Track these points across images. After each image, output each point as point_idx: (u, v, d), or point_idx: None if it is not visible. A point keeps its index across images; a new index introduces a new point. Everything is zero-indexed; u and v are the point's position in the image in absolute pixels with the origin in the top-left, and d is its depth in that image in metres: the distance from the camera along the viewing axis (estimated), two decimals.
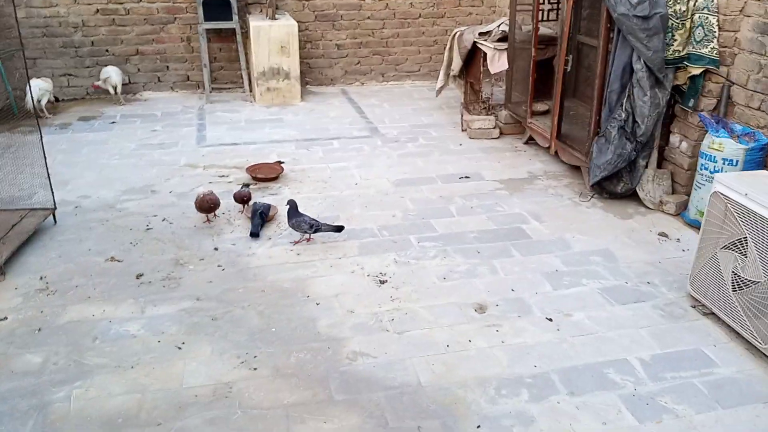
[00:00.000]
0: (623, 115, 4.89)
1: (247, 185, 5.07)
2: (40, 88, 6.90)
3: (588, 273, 4.20)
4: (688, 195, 4.85)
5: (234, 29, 7.54)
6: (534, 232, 4.74)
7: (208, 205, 4.71)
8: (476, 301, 3.90)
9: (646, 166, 5.03)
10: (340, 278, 4.10)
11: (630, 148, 4.92)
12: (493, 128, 6.72)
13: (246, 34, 7.60)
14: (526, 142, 6.51)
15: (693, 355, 3.41)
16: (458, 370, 3.31)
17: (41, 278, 4.06)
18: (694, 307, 3.80)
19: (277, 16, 7.60)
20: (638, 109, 4.80)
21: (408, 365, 3.34)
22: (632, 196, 5.16)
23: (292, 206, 4.51)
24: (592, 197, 5.26)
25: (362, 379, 3.24)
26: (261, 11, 7.81)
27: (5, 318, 3.66)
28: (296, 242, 4.49)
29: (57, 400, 3.07)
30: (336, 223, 4.59)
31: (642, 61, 4.70)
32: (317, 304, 3.84)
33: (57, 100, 7.47)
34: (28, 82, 5.58)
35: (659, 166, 5.13)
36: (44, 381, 3.19)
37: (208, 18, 7.40)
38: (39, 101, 6.95)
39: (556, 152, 5.86)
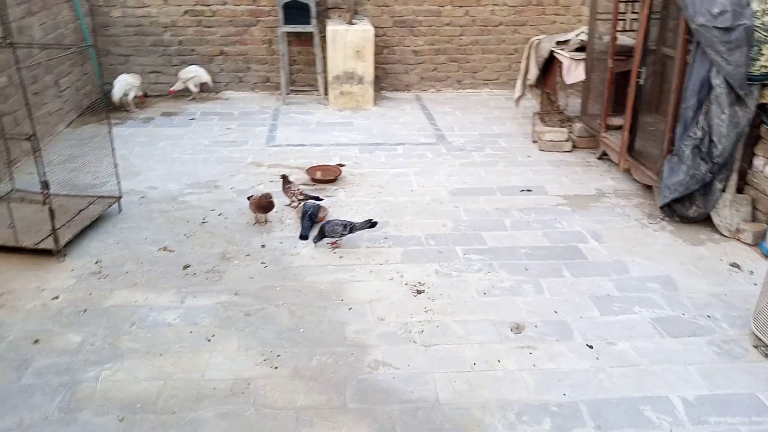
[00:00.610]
0: (699, 134, 4.53)
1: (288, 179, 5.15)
2: (127, 82, 7.31)
3: (642, 300, 3.91)
4: None
5: (312, 33, 7.67)
6: (591, 253, 4.48)
7: (265, 203, 4.76)
8: (514, 320, 3.72)
9: (724, 190, 4.63)
10: (377, 284, 4.04)
11: (705, 169, 4.55)
12: (566, 141, 6.43)
13: (324, 38, 7.71)
14: (599, 158, 6.19)
15: (745, 400, 3.08)
16: (481, 390, 3.16)
17: (96, 262, 4.27)
18: (756, 347, 3.44)
19: (354, 21, 7.66)
20: (715, 128, 4.43)
21: (429, 380, 3.23)
22: (706, 221, 4.77)
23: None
24: (661, 220, 4.91)
25: (380, 390, 3.16)
26: (340, 16, 7.91)
27: (57, 297, 3.88)
28: (334, 244, 4.47)
29: (86, 379, 3.20)
30: (381, 228, 4.54)
31: (721, 76, 4.33)
32: (349, 309, 3.79)
33: (145, 95, 7.88)
34: (101, 77, 5.88)
35: (739, 190, 4.70)
36: (79, 360, 3.33)
37: (288, 21, 7.57)
38: (126, 95, 7.36)
39: (628, 169, 5.52)
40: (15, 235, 4.29)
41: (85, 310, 3.76)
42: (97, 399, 3.08)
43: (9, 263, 4.23)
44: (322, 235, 4.43)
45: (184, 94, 7.99)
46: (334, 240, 4.47)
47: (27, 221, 4.45)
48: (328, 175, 5.61)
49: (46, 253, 4.28)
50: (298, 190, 5.02)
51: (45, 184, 4.11)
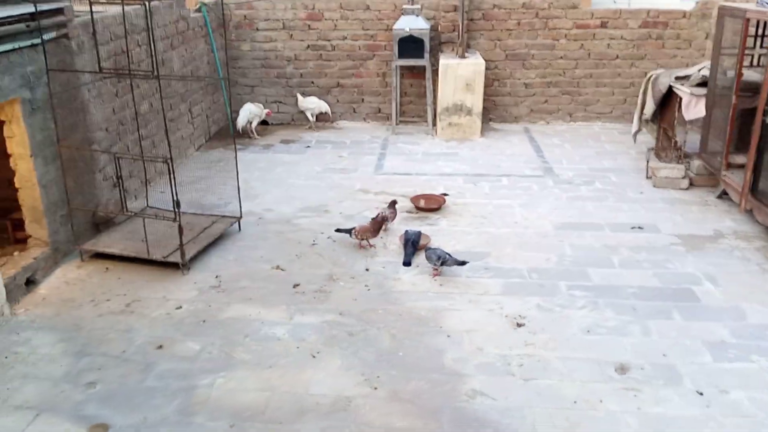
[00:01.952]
0: None
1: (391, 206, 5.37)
2: (251, 111, 7.85)
3: (761, 349, 3.69)
4: None
5: (425, 66, 7.89)
6: (705, 296, 4.27)
7: (379, 225, 5.01)
8: (619, 360, 3.62)
9: None
10: (476, 314, 4.08)
11: None
12: (682, 178, 6.18)
13: (436, 72, 7.91)
14: (719, 197, 5.89)
15: None
16: (581, 429, 3.11)
17: (216, 276, 4.61)
18: None
19: (467, 54, 7.81)
20: None
21: (527, 414, 3.22)
22: None
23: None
24: None
25: (476, 419, 3.19)
26: (452, 50, 8.08)
27: (180, 307, 4.23)
28: (435, 273, 4.56)
29: (202, 386, 3.46)
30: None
31: None
32: (448, 337, 3.85)
33: (267, 123, 8.42)
34: (230, 106, 6.36)
35: None
36: (196, 367, 3.62)
37: (402, 55, 7.84)
38: (250, 123, 7.90)
39: (750, 210, 5.22)
40: (147, 248, 4.73)
41: (204, 321, 4.07)
42: (211, 405, 3.32)
43: (139, 273, 4.66)
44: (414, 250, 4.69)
45: (302, 123, 8.46)
46: (435, 270, 4.56)
47: (157, 236, 4.89)
48: (431, 204, 5.73)
49: (173, 266, 4.68)
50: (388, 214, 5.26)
51: (177, 203, 4.51)
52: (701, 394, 3.33)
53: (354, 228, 5.00)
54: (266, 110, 8.13)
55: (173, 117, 6.85)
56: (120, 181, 4.82)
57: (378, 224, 4.99)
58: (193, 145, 7.47)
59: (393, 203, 5.37)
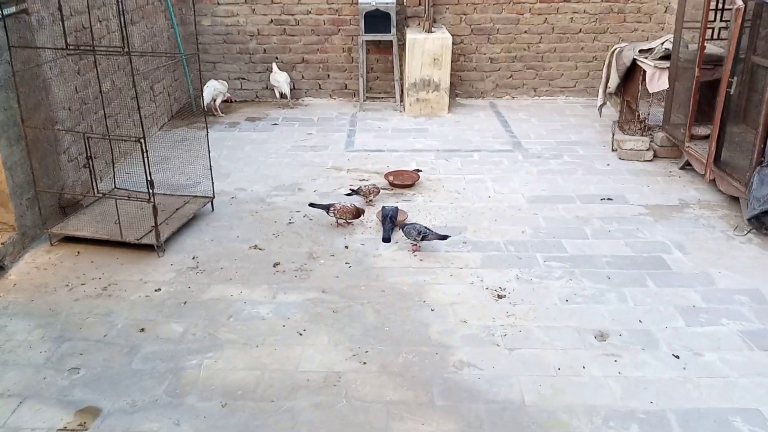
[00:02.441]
0: None
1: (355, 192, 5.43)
2: (215, 88, 7.68)
3: (730, 312, 3.86)
4: None
5: (391, 41, 7.84)
6: (675, 264, 4.44)
7: (359, 213, 4.97)
8: (597, 327, 3.74)
9: None
10: (458, 288, 4.14)
11: None
12: (647, 150, 6.35)
13: (402, 47, 7.87)
14: (682, 167, 6.08)
15: None
16: (566, 395, 3.21)
17: (193, 258, 4.55)
18: None
19: (433, 29, 7.79)
20: None
21: (514, 382, 3.30)
22: None
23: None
24: (748, 232, 4.80)
25: (465, 389, 3.26)
26: (419, 24, 8.05)
27: (159, 289, 4.16)
28: (414, 250, 4.59)
29: (190, 366, 3.44)
30: (459, 233, 4.64)
31: None
32: (432, 310, 3.91)
33: (231, 101, 8.25)
34: (198, 84, 6.21)
35: None
36: (182, 348, 3.58)
37: (368, 30, 7.76)
38: (214, 100, 7.73)
39: (713, 180, 5.42)
40: (120, 231, 4.62)
41: (185, 302, 4.02)
42: (201, 385, 3.30)
43: (113, 256, 4.56)
44: (402, 228, 4.66)
45: (267, 99, 8.34)
46: (414, 245, 4.59)
47: (128, 217, 4.77)
48: (405, 180, 5.75)
49: (147, 247, 4.59)
50: (371, 187, 5.32)
51: (151, 183, 4.41)
52: (677, 357, 3.48)
53: (333, 205, 4.97)
54: (227, 94, 7.97)
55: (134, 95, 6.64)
56: (90, 161, 4.68)
57: (359, 211, 4.95)
58: (156, 124, 7.28)
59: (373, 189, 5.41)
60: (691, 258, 4.50)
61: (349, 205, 4.97)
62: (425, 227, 4.58)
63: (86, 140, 4.64)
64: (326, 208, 4.99)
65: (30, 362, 3.45)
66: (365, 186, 5.42)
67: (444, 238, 4.56)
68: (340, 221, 4.99)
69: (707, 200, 5.42)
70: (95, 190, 4.90)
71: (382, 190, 5.52)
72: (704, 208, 5.27)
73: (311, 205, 5.12)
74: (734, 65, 5.11)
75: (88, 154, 4.70)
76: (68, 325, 3.77)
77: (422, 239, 4.53)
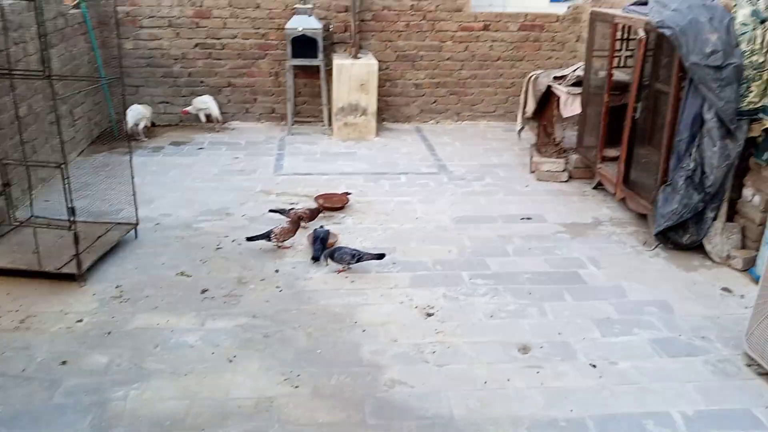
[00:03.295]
0: (692, 165, 4.79)
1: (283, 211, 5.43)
2: (139, 112, 7.54)
3: (641, 323, 4.12)
4: (758, 251, 4.66)
5: (319, 66, 7.95)
6: (590, 278, 4.69)
7: (297, 223, 5.08)
8: (521, 341, 3.91)
9: (715, 219, 4.88)
10: (388, 308, 4.23)
11: (697, 198, 4.80)
12: (562, 171, 6.70)
13: (330, 72, 8.00)
14: (595, 187, 6.44)
15: (740, 415, 3.28)
16: (493, 407, 3.34)
17: (117, 287, 4.43)
18: (749, 365, 3.65)
19: (360, 55, 7.96)
20: (707, 160, 4.70)
21: (443, 398, 3.40)
22: (698, 248, 5.01)
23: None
24: (656, 247, 5.14)
25: (397, 407, 3.33)
26: (345, 50, 8.21)
27: (81, 320, 4.03)
28: (341, 270, 4.66)
29: (115, 398, 3.35)
30: (388, 254, 4.75)
31: (713, 111, 4.62)
32: (363, 331, 3.97)
33: (153, 125, 8.11)
34: (121, 108, 6.10)
35: (729, 219, 4.95)
36: (107, 380, 3.48)
37: (296, 55, 7.84)
38: (137, 125, 7.58)
39: (623, 199, 5.77)
40: (39, 260, 4.46)
41: (109, 333, 3.91)
42: (127, 417, 3.22)
43: (31, 287, 4.38)
44: (331, 257, 4.65)
45: (192, 123, 8.25)
46: (341, 268, 4.66)
47: (48, 246, 4.61)
48: (335, 203, 5.82)
49: (68, 277, 4.43)
50: (304, 212, 5.33)
51: (72, 211, 4.29)
52: (594, 366, 3.68)
53: (272, 231, 4.96)
54: (183, 109, 8.02)
55: (54, 120, 6.44)
56: (6, 188, 4.50)
57: (296, 222, 5.03)
58: (75, 149, 7.06)
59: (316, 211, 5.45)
60: (604, 272, 4.77)
61: (285, 224, 5.00)
62: (357, 250, 4.66)
63: (2, 167, 4.46)
64: (266, 236, 4.94)
65: None
66: (298, 210, 5.36)
67: (380, 257, 4.65)
68: (285, 244, 5.00)
69: (618, 218, 5.76)
70: (11, 218, 4.71)
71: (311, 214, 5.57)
72: (616, 225, 5.60)
73: (249, 239, 5.01)
74: (639, 91, 5.50)
75: (4, 181, 4.52)
76: None
77: (357, 261, 4.60)
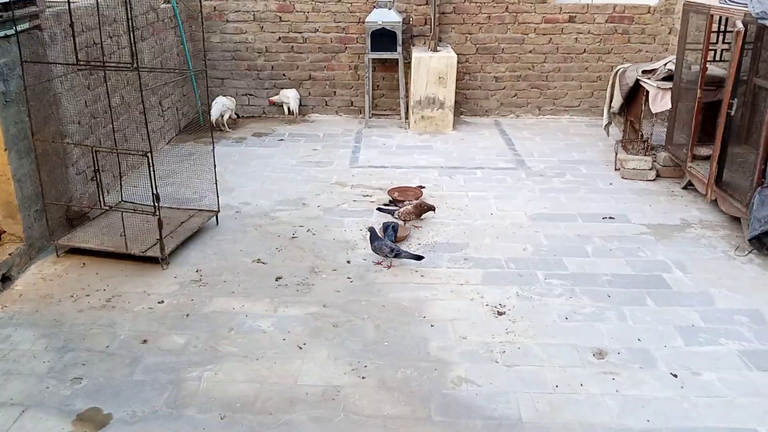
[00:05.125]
0: None
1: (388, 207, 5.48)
2: (223, 104, 7.79)
3: (729, 332, 3.87)
4: None
5: (397, 60, 7.94)
6: (675, 283, 4.45)
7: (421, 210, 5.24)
8: (596, 345, 3.76)
9: None
10: (458, 304, 4.17)
11: None
12: (650, 170, 6.38)
13: (408, 65, 7.97)
14: (684, 187, 6.10)
15: None
16: (563, 412, 3.23)
17: (197, 271, 4.60)
18: None
19: (438, 48, 7.88)
20: None
21: (511, 399, 3.32)
22: None
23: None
24: (749, 252, 4.81)
25: (463, 405, 3.28)
26: (424, 43, 8.15)
27: (162, 301, 4.21)
28: (378, 263, 4.66)
29: (190, 378, 3.47)
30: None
31: None
32: (431, 326, 3.93)
33: (238, 116, 8.36)
34: (206, 99, 6.30)
35: None
36: (183, 360, 3.62)
37: (374, 48, 7.86)
38: (222, 116, 7.83)
39: (715, 200, 5.44)
40: (125, 243, 4.68)
41: (187, 315, 4.06)
42: (200, 397, 3.34)
43: (118, 268, 4.62)
44: (371, 245, 4.67)
45: (274, 115, 8.46)
46: (380, 260, 4.66)
47: (134, 230, 4.84)
48: (409, 196, 5.79)
49: (152, 260, 4.64)
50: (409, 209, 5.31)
51: (156, 197, 4.48)
52: (675, 376, 3.49)
53: (398, 208, 5.30)
54: (269, 98, 8.33)
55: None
56: (97, 174, 4.75)
57: (420, 208, 5.21)
58: (163, 138, 7.38)
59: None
60: (691, 277, 4.51)
61: (410, 207, 5.24)
62: (397, 246, 4.66)
63: (94, 154, 4.72)
64: (392, 212, 5.32)
65: (33, 372, 3.50)
66: (404, 208, 5.32)
67: (419, 258, 4.60)
68: (407, 224, 5.23)
69: (709, 220, 5.43)
70: (102, 202, 4.98)
71: (385, 206, 5.57)
72: (706, 228, 5.29)
73: (379, 209, 5.49)
74: (735, 87, 5.15)
75: (96, 168, 4.78)
76: (72, 336, 3.82)
77: (395, 257, 4.57)
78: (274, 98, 8.32)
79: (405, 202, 5.43)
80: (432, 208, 5.32)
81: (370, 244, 4.74)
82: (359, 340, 3.80)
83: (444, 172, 6.56)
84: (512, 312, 4.08)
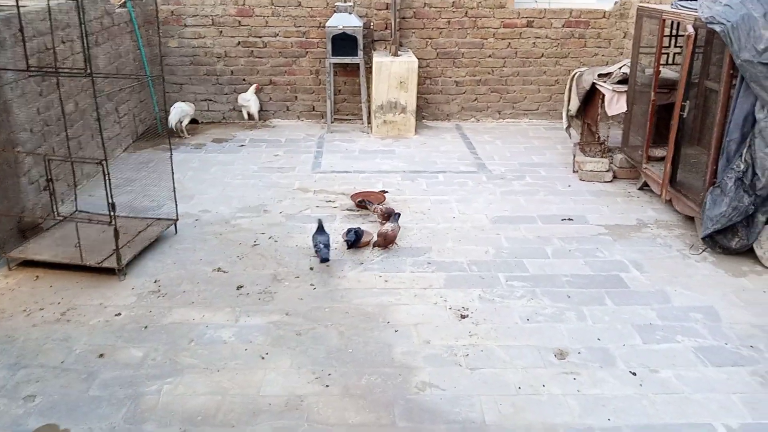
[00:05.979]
0: (742, 167, 4.59)
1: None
2: (182, 110, 7.67)
3: (685, 330, 3.96)
4: None
5: (358, 64, 7.93)
6: (633, 282, 4.54)
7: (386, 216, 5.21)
8: (557, 346, 3.80)
9: (766, 222, 4.66)
10: (422, 308, 4.18)
11: (748, 201, 4.59)
12: (606, 171, 6.51)
13: (370, 69, 7.97)
14: (640, 188, 6.24)
15: None
16: (526, 413, 3.25)
17: (155, 281, 4.50)
18: None
19: (399, 53, 7.91)
20: (759, 161, 4.49)
21: (475, 402, 3.33)
22: (748, 252, 4.79)
23: (319, 224, 4.89)
24: (703, 251, 4.94)
25: (427, 410, 3.28)
26: (385, 48, 8.17)
27: (119, 314, 4.11)
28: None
29: (149, 392, 3.39)
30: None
31: (766, 110, 4.40)
32: (396, 331, 3.93)
33: (196, 122, 8.24)
34: (164, 105, 6.19)
35: None
36: (141, 374, 3.53)
37: (336, 53, 7.84)
38: (180, 122, 7.71)
39: (669, 200, 5.58)
40: (81, 254, 4.56)
41: (146, 327, 3.97)
42: (160, 411, 3.26)
43: (73, 281, 4.49)
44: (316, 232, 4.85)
45: (234, 120, 8.36)
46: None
47: (89, 241, 4.71)
48: (372, 201, 5.77)
49: (108, 271, 4.53)
50: (381, 208, 5.37)
51: (112, 206, 4.37)
52: (634, 374, 3.55)
53: (374, 206, 5.45)
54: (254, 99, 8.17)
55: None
56: (51, 184, 4.62)
57: (386, 214, 5.20)
58: (120, 146, 7.22)
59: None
60: (648, 276, 4.61)
61: (384, 207, 5.35)
62: (320, 245, 4.75)
63: (47, 162, 4.59)
64: (365, 207, 5.55)
65: None
66: (378, 207, 5.43)
67: (323, 261, 4.71)
68: (376, 210, 5.38)
69: (664, 220, 5.56)
70: (56, 213, 4.84)
71: (347, 211, 5.57)
72: (661, 228, 5.41)
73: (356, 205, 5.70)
74: (687, 89, 5.29)
75: (49, 177, 4.65)
76: (25, 352, 3.70)
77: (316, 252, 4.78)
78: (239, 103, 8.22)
79: (379, 205, 5.47)
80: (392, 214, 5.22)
81: (351, 239, 4.89)
82: (323, 348, 3.77)
83: (406, 176, 6.58)
84: (475, 315, 4.11)
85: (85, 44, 4.12)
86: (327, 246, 4.74)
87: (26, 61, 4.43)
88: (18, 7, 4.37)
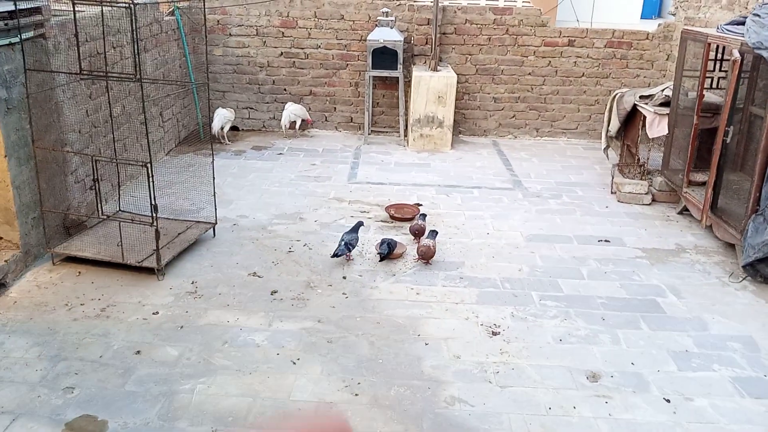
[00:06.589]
0: None
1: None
2: (224, 116, 7.83)
3: (722, 359, 3.88)
4: None
5: (398, 78, 8.00)
6: (669, 307, 4.47)
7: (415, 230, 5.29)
8: (590, 368, 3.76)
9: None
10: (453, 323, 4.18)
11: None
12: (645, 194, 6.43)
13: (408, 83, 8.03)
14: (680, 212, 6.14)
15: None
16: None
17: (192, 282, 4.59)
18: None
19: (439, 68, 7.96)
20: None
21: (504, 420, 3.32)
22: None
23: (356, 225, 5.04)
24: (743, 279, 4.84)
25: (455, 425, 3.27)
26: (425, 62, 8.23)
27: (157, 312, 4.20)
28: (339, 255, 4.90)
29: (182, 390, 3.46)
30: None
31: None
32: (426, 344, 3.94)
33: (237, 129, 8.39)
34: (207, 112, 6.33)
35: None
36: (176, 372, 3.61)
37: (376, 66, 7.93)
38: (222, 128, 7.87)
39: (710, 226, 5.48)
40: (122, 252, 4.68)
41: (182, 327, 4.06)
42: (192, 410, 3.32)
43: (113, 278, 4.61)
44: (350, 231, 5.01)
45: (274, 129, 8.50)
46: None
47: (131, 240, 4.83)
48: (406, 214, 5.82)
49: (148, 270, 4.64)
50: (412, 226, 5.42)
51: (154, 208, 4.49)
52: (668, 401, 3.49)
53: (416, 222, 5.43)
54: (308, 118, 8.32)
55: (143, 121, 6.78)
56: (96, 183, 4.76)
57: (417, 231, 5.30)
58: (163, 149, 7.40)
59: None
60: (685, 303, 4.53)
61: (416, 224, 5.37)
62: (343, 248, 4.88)
63: (94, 163, 4.74)
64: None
65: (25, 380, 3.48)
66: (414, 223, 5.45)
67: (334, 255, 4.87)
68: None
69: (703, 246, 5.47)
70: (100, 211, 4.98)
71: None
72: (700, 254, 5.32)
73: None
74: (731, 114, 5.21)
75: (95, 177, 4.79)
76: (65, 345, 3.81)
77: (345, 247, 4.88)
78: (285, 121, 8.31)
79: (415, 223, 5.43)
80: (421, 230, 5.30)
81: (383, 252, 4.94)
82: (353, 357, 3.80)
83: (441, 190, 6.59)
84: (507, 332, 4.09)
85: (136, 50, 4.25)
86: (348, 246, 4.86)
87: (79, 65, 4.59)
88: (74, 12, 4.53)
